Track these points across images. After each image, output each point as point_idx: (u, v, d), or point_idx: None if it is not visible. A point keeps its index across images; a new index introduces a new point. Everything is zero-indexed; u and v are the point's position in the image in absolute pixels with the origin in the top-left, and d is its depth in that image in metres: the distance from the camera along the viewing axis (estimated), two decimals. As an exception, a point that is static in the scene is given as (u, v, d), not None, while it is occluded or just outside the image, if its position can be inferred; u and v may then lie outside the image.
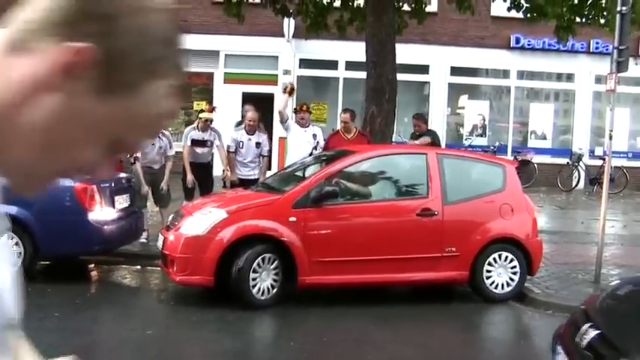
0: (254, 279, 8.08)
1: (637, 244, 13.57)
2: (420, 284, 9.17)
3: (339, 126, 12.08)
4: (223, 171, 11.86)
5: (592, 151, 22.55)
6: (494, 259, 8.88)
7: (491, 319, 8.58)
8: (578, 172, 22.14)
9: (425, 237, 8.71)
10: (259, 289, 8.13)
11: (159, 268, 10.14)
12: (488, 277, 8.86)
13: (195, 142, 11.83)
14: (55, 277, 9.60)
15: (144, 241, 11.11)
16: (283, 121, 11.73)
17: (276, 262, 8.22)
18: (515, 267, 8.94)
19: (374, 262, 8.50)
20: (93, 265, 10.28)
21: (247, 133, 11.57)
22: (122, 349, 6.64)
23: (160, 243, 8.67)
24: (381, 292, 9.50)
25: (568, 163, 21.91)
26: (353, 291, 9.11)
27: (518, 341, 8.16)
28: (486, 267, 8.84)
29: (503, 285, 8.92)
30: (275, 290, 8.22)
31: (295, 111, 11.81)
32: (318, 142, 11.59)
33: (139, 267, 10.31)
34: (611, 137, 10.04)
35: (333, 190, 8.42)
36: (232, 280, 8.08)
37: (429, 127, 13.52)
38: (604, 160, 18.07)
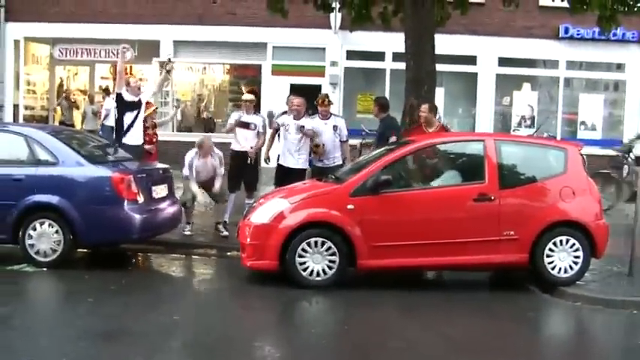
0: (303, 263, 8.70)
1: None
2: (474, 268, 9.44)
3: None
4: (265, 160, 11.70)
5: (644, 142, 22.00)
6: (555, 242, 8.97)
7: (516, 310, 8.52)
8: (628, 163, 21.67)
9: (482, 221, 8.91)
10: (312, 272, 8.72)
11: (198, 257, 10.56)
12: (550, 262, 8.96)
13: (240, 124, 11.61)
14: (94, 265, 9.95)
15: (188, 233, 11.27)
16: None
17: (331, 247, 8.71)
18: (578, 250, 9.01)
19: (431, 245, 8.83)
20: (131, 253, 10.58)
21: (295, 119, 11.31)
22: (149, 333, 6.85)
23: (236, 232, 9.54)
24: (409, 280, 9.64)
25: (618, 155, 21.47)
26: (381, 278, 9.36)
27: (543, 333, 8.07)
28: (547, 251, 8.95)
29: (565, 269, 9.00)
30: (333, 272, 8.73)
31: (317, 103, 11.58)
32: (340, 132, 11.53)
33: (177, 255, 10.56)
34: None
35: (388, 179, 8.78)
36: (287, 263, 8.68)
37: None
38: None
